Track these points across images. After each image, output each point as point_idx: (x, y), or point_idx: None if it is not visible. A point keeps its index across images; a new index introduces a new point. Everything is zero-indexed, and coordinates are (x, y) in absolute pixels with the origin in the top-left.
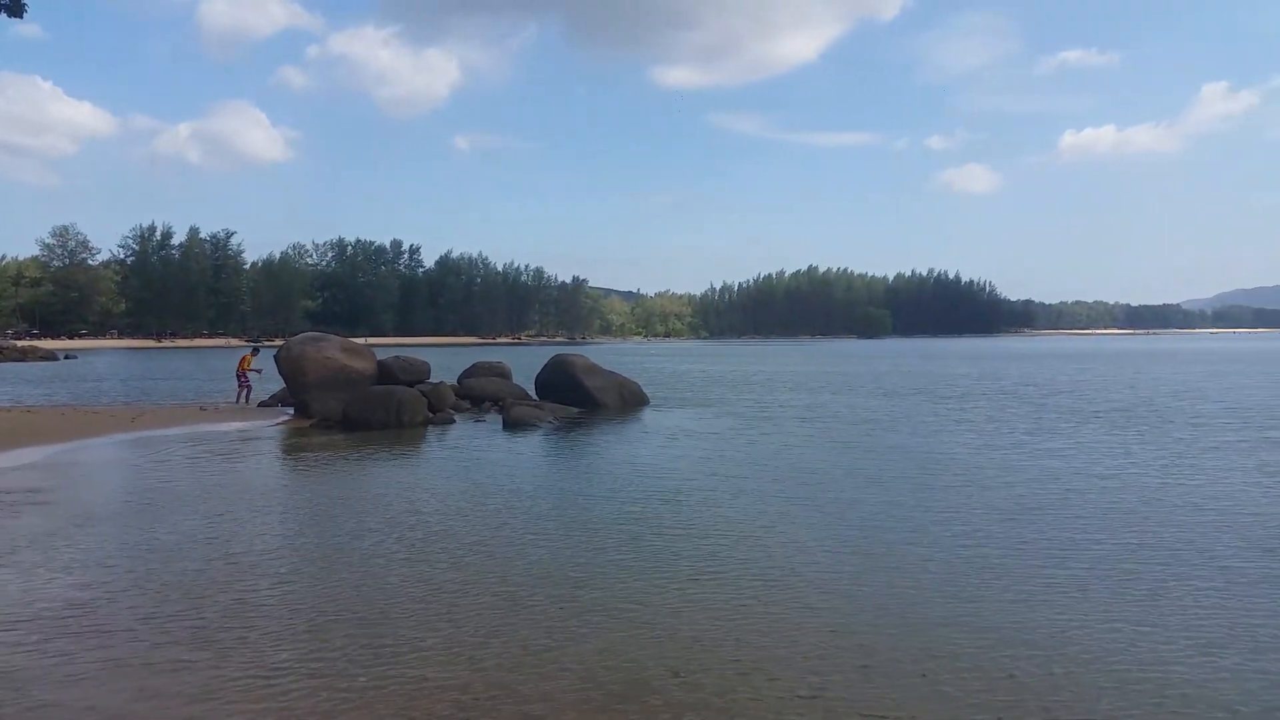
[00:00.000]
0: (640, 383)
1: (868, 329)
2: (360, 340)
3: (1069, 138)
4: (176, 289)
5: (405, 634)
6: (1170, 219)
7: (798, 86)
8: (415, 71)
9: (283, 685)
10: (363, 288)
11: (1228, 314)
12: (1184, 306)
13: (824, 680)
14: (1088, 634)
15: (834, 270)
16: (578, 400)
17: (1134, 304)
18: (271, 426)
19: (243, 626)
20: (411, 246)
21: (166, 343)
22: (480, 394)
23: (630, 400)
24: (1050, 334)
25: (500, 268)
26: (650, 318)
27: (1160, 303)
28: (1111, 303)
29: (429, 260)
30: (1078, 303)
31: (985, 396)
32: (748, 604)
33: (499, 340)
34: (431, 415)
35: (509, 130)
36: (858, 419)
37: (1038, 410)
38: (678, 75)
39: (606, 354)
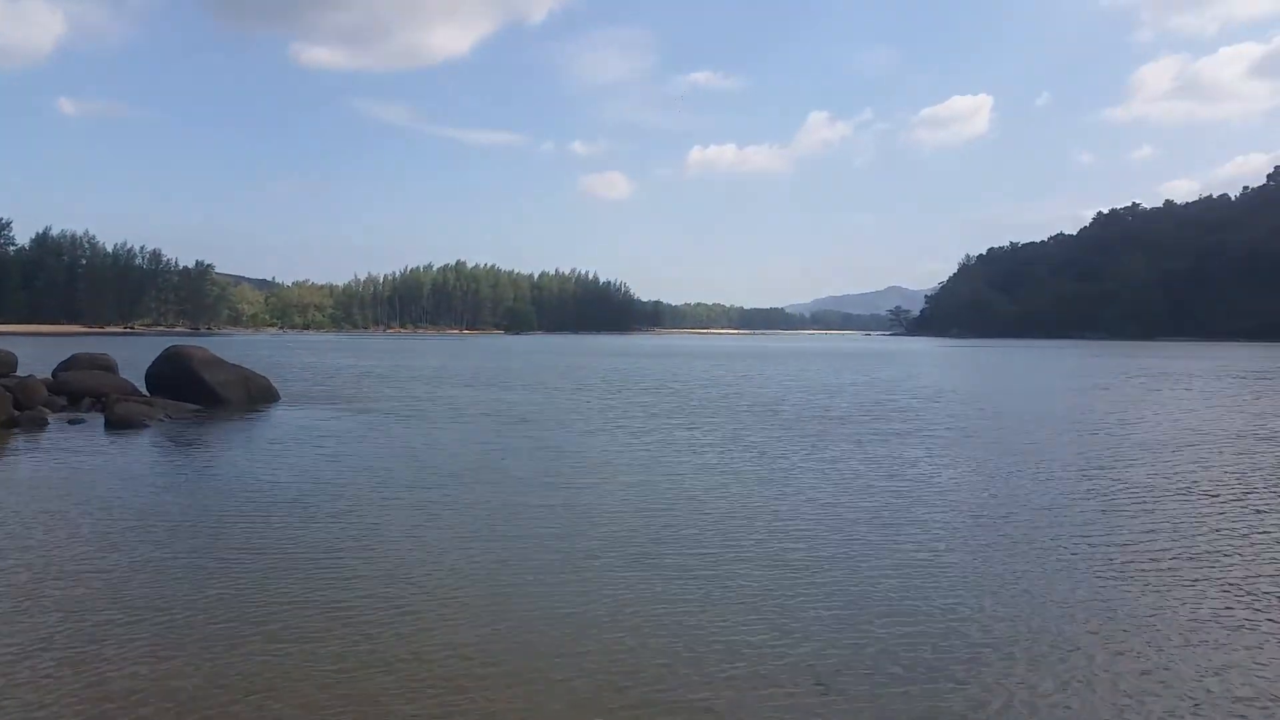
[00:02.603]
0: (272, 377)
1: (514, 324)
2: None
3: (696, 153)
4: None
5: None
6: (779, 231)
7: (448, 80)
8: (10, 23)
9: None
10: None
11: (822, 317)
12: (787, 310)
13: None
14: (697, 615)
15: (482, 266)
16: (196, 396)
17: (746, 307)
18: None
19: None
20: (0, 221)
21: None
22: (79, 389)
23: (258, 396)
24: (676, 333)
25: (110, 249)
26: (287, 308)
27: (769, 306)
28: (728, 305)
29: (22, 238)
30: (699, 304)
31: (645, 391)
32: (348, 635)
33: (108, 329)
34: (17, 414)
35: (127, 97)
36: (513, 416)
37: (684, 403)
38: (321, 55)
39: (236, 346)
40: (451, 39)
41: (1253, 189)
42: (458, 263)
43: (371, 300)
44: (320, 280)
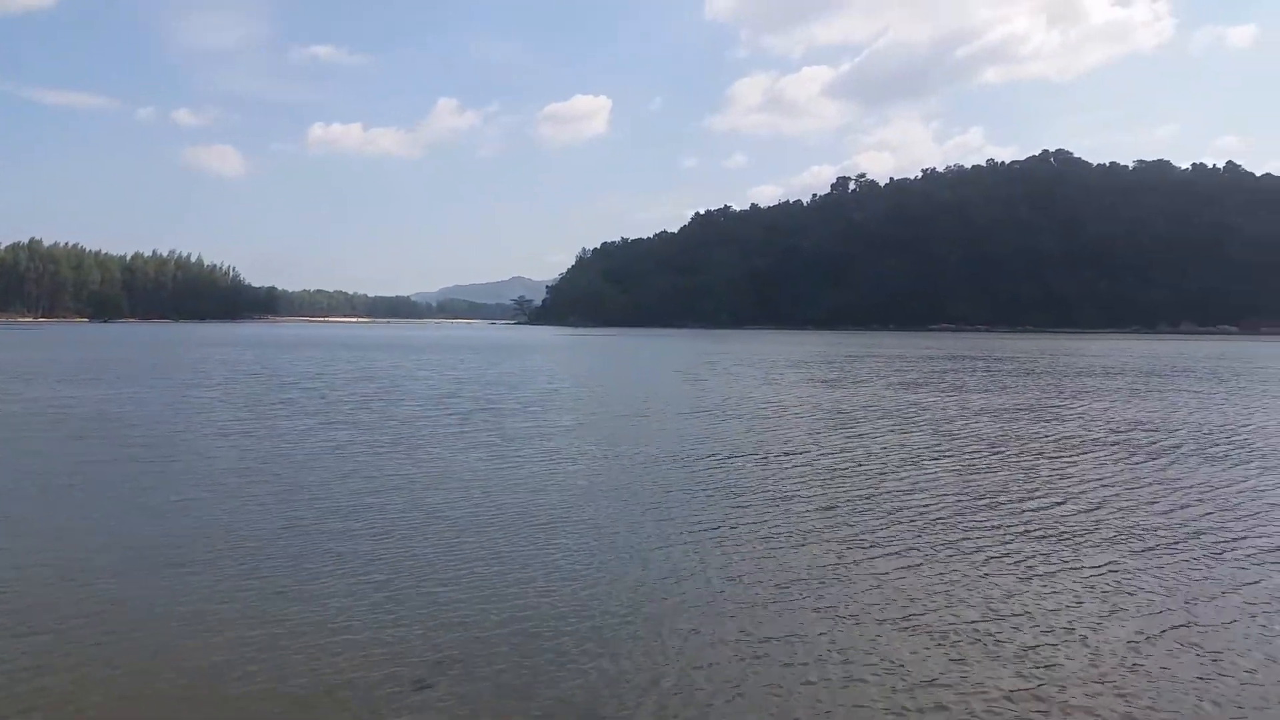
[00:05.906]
0: None
1: (102, 311)
2: None
3: (318, 130)
4: None
5: None
6: (406, 218)
7: (24, 33)
8: None
9: None
10: None
11: (449, 305)
12: (414, 299)
13: None
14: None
15: (61, 245)
16: None
17: (371, 295)
18: None
19: None
20: None
21: None
22: None
23: None
24: (293, 321)
25: None
26: None
27: (394, 294)
28: (351, 293)
29: None
30: (319, 291)
31: (282, 385)
32: None
33: None
34: None
35: None
36: (113, 419)
37: (329, 403)
38: None
39: None
40: None
41: (820, 196)
42: (31, 241)
43: None
44: None
